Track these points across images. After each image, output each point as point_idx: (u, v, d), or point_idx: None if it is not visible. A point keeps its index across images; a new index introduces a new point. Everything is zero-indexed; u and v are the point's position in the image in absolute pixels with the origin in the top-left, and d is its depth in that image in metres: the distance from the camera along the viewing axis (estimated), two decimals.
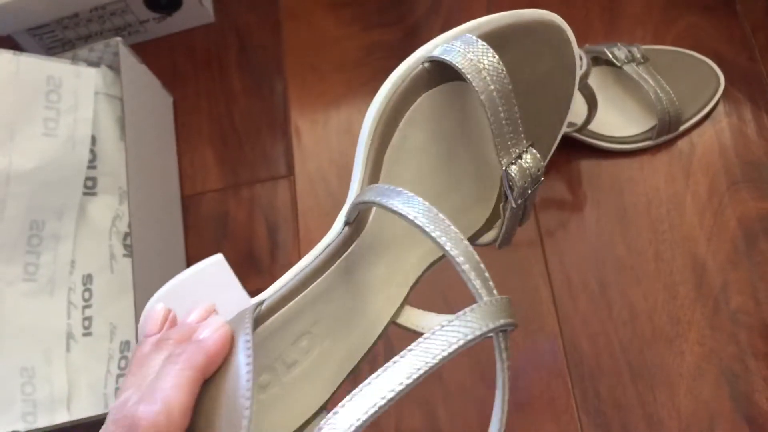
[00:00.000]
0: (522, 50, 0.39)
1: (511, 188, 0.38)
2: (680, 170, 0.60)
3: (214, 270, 0.37)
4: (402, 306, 0.41)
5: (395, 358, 0.28)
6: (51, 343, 0.60)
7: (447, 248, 0.30)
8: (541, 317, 0.58)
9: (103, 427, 0.31)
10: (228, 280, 0.37)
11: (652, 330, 0.56)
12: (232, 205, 0.68)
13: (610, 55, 0.60)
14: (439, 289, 0.59)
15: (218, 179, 0.70)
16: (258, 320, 0.36)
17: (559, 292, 0.59)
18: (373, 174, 0.38)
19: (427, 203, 0.31)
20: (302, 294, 0.37)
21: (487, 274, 0.31)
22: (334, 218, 0.65)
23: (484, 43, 0.36)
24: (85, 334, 0.61)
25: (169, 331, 0.33)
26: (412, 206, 0.31)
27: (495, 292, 0.30)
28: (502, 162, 0.37)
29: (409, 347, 0.29)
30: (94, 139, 0.63)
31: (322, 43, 0.72)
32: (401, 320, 0.41)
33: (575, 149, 0.61)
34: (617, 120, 0.61)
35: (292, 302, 0.36)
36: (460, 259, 0.30)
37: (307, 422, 0.38)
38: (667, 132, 0.60)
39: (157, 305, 0.36)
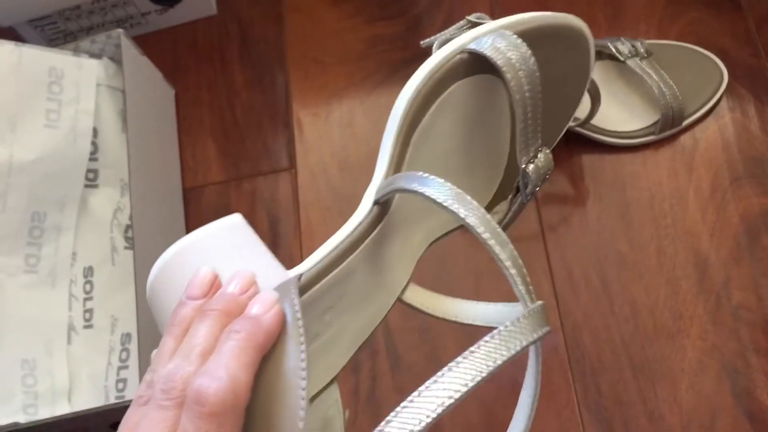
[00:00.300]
0: (548, 51, 0.40)
1: (525, 185, 0.40)
2: (683, 165, 0.60)
3: (235, 230, 0.36)
4: (408, 284, 0.42)
5: (451, 365, 0.29)
6: (52, 336, 0.60)
7: (496, 251, 0.32)
8: None
9: (142, 390, 0.30)
10: (251, 241, 0.36)
11: (654, 325, 0.56)
12: (233, 198, 0.68)
13: (614, 50, 0.60)
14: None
15: (220, 172, 0.69)
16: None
17: (560, 287, 0.59)
18: (401, 154, 0.39)
19: (477, 204, 0.32)
20: (334, 271, 0.37)
21: (528, 279, 0.32)
22: (336, 211, 0.65)
23: (524, 44, 0.37)
24: (86, 327, 0.61)
25: (214, 300, 0.32)
26: (465, 206, 0.32)
27: (534, 296, 0.32)
28: (521, 161, 0.39)
29: (468, 351, 0.29)
30: (95, 131, 0.63)
31: (325, 35, 0.72)
32: (405, 297, 0.42)
33: (578, 144, 0.61)
34: (620, 115, 0.61)
35: (326, 278, 0.36)
36: (507, 263, 0.32)
37: (317, 395, 0.38)
38: (670, 127, 0.60)
39: (203, 267, 0.34)
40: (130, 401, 0.51)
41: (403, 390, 0.58)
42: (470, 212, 0.32)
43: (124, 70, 0.62)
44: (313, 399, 0.38)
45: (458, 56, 0.39)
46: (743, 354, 0.54)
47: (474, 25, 0.55)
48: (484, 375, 0.28)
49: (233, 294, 0.32)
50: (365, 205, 0.38)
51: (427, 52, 0.58)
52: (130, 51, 0.64)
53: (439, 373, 0.28)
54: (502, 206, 0.46)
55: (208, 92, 0.73)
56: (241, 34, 0.74)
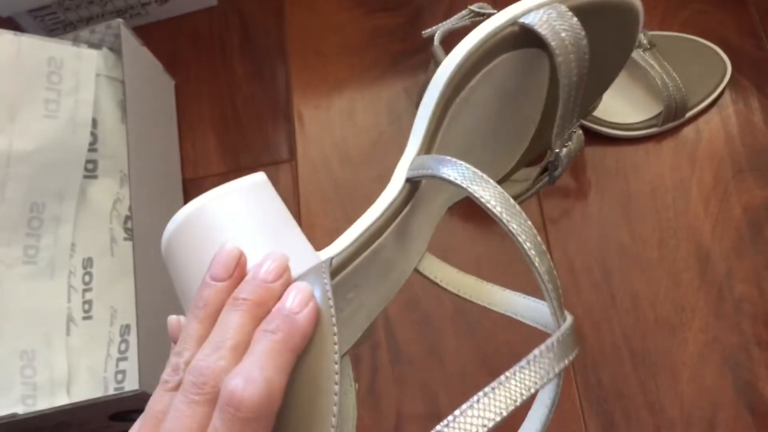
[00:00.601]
0: (598, 27, 0.38)
1: (555, 168, 0.39)
2: (686, 158, 0.59)
3: (261, 192, 0.34)
4: (423, 254, 0.41)
5: (486, 390, 0.28)
6: (51, 327, 0.60)
7: (535, 262, 0.31)
8: None
9: (168, 374, 0.29)
10: (277, 208, 0.34)
11: (655, 318, 0.56)
12: None
13: None
14: None
15: (220, 163, 0.69)
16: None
17: (562, 280, 0.58)
18: (437, 127, 0.38)
19: (525, 216, 0.32)
20: (366, 252, 0.35)
21: (560, 291, 0.32)
22: (336, 203, 0.65)
23: (579, 24, 0.36)
24: (85, 318, 0.61)
25: (246, 288, 0.30)
26: (513, 215, 0.31)
27: (564, 311, 0.32)
28: (556, 144, 0.38)
29: (504, 377, 0.29)
30: (95, 122, 0.63)
31: (325, 27, 0.71)
32: (420, 268, 0.41)
33: None
34: (623, 106, 0.60)
35: (358, 259, 0.35)
36: (545, 277, 0.32)
37: None
38: (672, 119, 0.59)
39: (228, 244, 0.31)
40: (129, 393, 0.51)
41: (403, 382, 0.58)
42: (513, 218, 0.31)
43: (123, 61, 0.62)
44: None
45: (509, 28, 0.37)
46: (745, 347, 0.54)
47: (477, 14, 0.55)
48: (518, 403, 0.28)
49: (266, 281, 0.31)
50: (397, 183, 0.37)
51: (428, 44, 0.58)
52: (129, 41, 0.63)
53: (474, 398, 0.28)
54: (522, 175, 0.45)
55: (209, 84, 0.72)
56: (242, 26, 0.74)
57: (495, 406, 0.28)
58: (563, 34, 0.36)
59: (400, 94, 0.67)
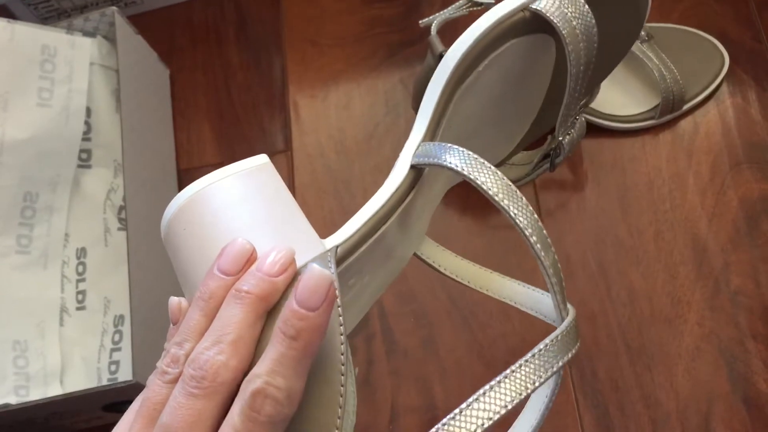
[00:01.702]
0: (608, 13, 0.38)
1: (557, 155, 0.39)
2: (683, 150, 0.59)
3: (264, 175, 0.33)
4: (423, 237, 0.41)
5: (492, 384, 0.28)
6: (44, 317, 0.59)
7: (541, 256, 0.31)
8: None
9: (167, 364, 0.29)
10: (281, 194, 0.33)
11: (651, 310, 0.56)
12: None
13: None
14: None
15: (215, 153, 0.69)
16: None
17: None
18: (443, 110, 0.37)
19: (531, 209, 0.32)
20: (370, 240, 0.35)
21: (564, 284, 0.32)
22: (332, 193, 0.65)
23: (590, 11, 0.35)
24: (78, 308, 0.61)
25: (249, 281, 0.30)
26: (517, 205, 0.31)
27: (567, 304, 0.32)
28: (560, 132, 0.37)
29: (510, 371, 0.29)
30: (89, 111, 0.62)
31: (322, 17, 0.71)
32: (418, 252, 0.41)
33: None
34: (620, 98, 0.60)
35: (363, 247, 0.34)
36: (550, 271, 0.32)
37: None
38: (670, 111, 0.59)
39: (239, 238, 0.30)
40: (123, 383, 0.51)
41: (398, 374, 0.58)
42: (521, 212, 0.31)
43: (118, 49, 0.61)
44: None
45: (520, 14, 0.37)
46: (741, 340, 0.54)
47: (475, 4, 0.54)
48: (522, 396, 0.28)
49: (270, 274, 0.30)
50: (402, 169, 0.36)
51: (425, 34, 0.58)
52: (124, 29, 0.63)
53: (480, 392, 0.28)
54: (520, 159, 0.45)
55: (204, 73, 0.72)
56: (238, 15, 0.73)
57: (501, 398, 0.28)
58: (574, 22, 0.35)
59: (396, 85, 0.67)
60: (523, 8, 0.37)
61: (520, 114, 0.43)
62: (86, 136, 0.62)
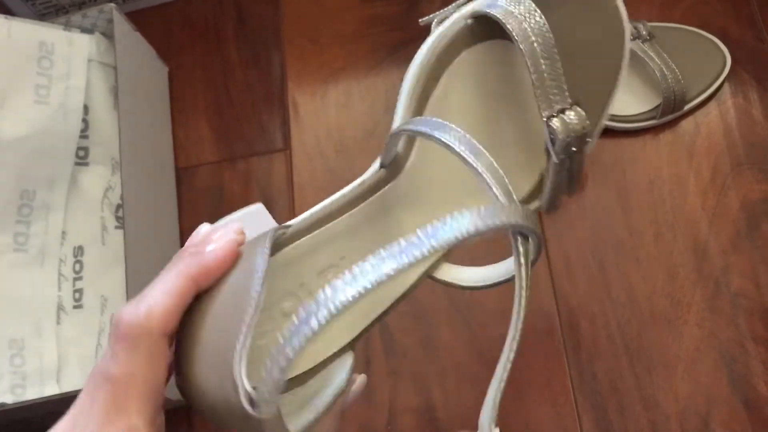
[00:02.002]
0: (567, 12, 0.38)
1: (552, 142, 0.37)
2: (684, 150, 0.59)
3: (255, 218, 0.35)
4: (439, 261, 0.41)
5: (399, 241, 0.26)
6: (41, 315, 0.59)
7: (471, 161, 0.31)
8: (538, 297, 0.57)
9: None
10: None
11: (651, 312, 0.56)
12: (227, 178, 0.67)
13: None
14: None
15: (213, 152, 0.68)
16: (282, 244, 0.35)
17: (557, 272, 0.58)
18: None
19: (468, 136, 0.32)
20: (328, 225, 0.36)
21: (514, 196, 0.31)
22: (331, 192, 0.64)
23: (536, 9, 0.36)
24: (75, 307, 0.60)
25: (187, 243, 0.33)
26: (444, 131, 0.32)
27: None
28: (543, 114, 0.36)
29: (418, 230, 0.26)
30: (86, 108, 0.62)
31: (322, 14, 0.70)
32: (438, 274, 0.41)
33: None
34: (621, 98, 0.60)
35: (317, 231, 0.36)
36: (486, 174, 0.31)
37: (328, 360, 0.38)
38: (671, 111, 0.59)
39: (203, 225, 0.34)
40: None
41: (396, 374, 0.58)
42: (449, 134, 0.32)
43: (116, 46, 0.61)
44: (329, 360, 0.38)
45: (464, 22, 0.38)
46: (741, 342, 0.54)
47: None
48: (422, 255, 0.26)
49: (206, 234, 0.32)
50: (371, 168, 0.38)
51: (425, 32, 0.57)
52: (122, 26, 0.63)
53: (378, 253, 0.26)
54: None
55: (203, 71, 0.71)
56: (237, 12, 0.73)
57: (425, 243, 0.26)
58: (511, 7, 0.36)
59: (396, 83, 0.66)
60: (467, 17, 0.38)
61: (525, 137, 0.42)
62: (84, 134, 0.62)
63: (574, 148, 0.37)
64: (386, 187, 0.38)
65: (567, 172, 0.39)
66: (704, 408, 0.53)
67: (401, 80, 0.66)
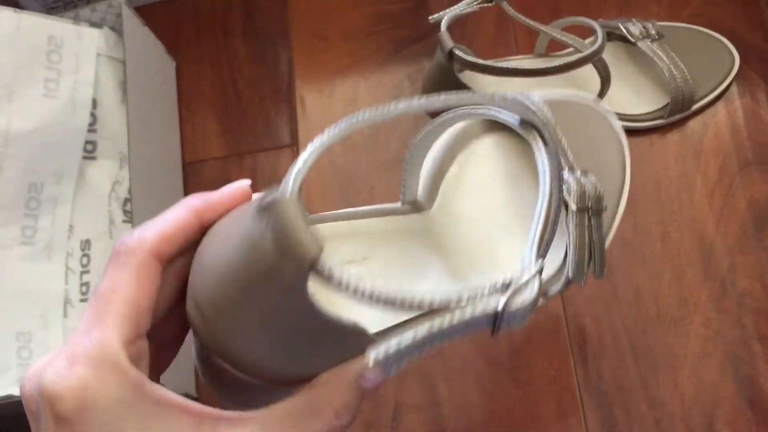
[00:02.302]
0: (565, 120, 0.39)
1: (567, 191, 0.36)
2: (691, 150, 0.59)
3: None
4: None
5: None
6: (48, 308, 0.59)
7: None
8: None
9: None
10: None
11: (657, 311, 0.56)
12: (233, 173, 0.67)
13: (625, 31, 0.59)
14: None
15: (220, 147, 0.68)
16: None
17: None
18: (432, 192, 0.42)
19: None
20: (355, 221, 0.39)
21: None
22: (337, 189, 0.64)
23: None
24: (82, 300, 0.60)
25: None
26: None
27: None
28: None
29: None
30: (95, 102, 0.62)
31: (329, 11, 0.70)
32: None
33: None
34: (629, 97, 0.60)
35: (343, 222, 0.39)
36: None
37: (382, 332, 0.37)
38: (679, 111, 0.59)
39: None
40: None
41: (401, 378, 0.58)
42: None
43: (124, 41, 0.61)
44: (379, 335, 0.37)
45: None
46: (747, 342, 0.54)
47: (484, 0, 0.54)
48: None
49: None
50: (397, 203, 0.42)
51: (433, 30, 0.57)
52: (131, 21, 0.63)
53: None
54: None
55: (210, 66, 0.71)
56: (245, 8, 0.73)
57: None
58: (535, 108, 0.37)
59: (403, 80, 0.66)
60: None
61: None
62: (92, 128, 0.62)
63: (591, 206, 0.36)
64: (412, 215, 0.41)
65: (588, 242, 0.37)
66: (710, 408, 0.53)
67: (409, 78, 0.66)
